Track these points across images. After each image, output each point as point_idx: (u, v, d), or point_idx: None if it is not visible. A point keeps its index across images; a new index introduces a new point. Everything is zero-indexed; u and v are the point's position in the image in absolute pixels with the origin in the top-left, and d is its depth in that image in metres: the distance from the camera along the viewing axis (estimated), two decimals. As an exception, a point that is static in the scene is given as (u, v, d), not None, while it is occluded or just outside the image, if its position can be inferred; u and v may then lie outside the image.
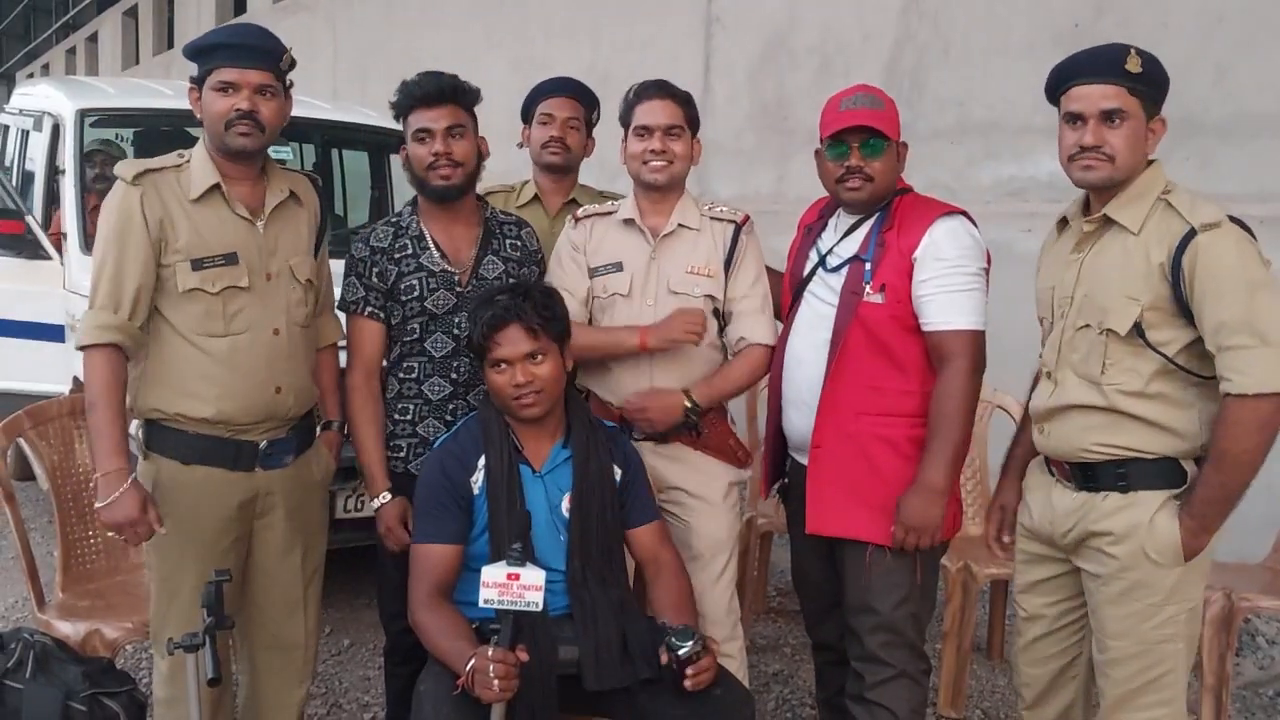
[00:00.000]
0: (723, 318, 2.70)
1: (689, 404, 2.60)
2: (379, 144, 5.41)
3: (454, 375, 2.66)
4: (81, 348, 2.30)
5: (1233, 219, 2.09)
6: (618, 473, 2.48)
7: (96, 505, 2.27)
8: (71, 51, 26.76)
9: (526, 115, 3.24)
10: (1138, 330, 2.13)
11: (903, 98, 4.81)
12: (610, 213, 2.76)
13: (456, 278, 2.65)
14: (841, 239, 2.57)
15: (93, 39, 25.19)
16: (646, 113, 2.64)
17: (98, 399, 2.27)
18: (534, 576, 2.03)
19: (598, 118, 3.27)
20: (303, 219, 2.56)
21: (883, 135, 2.46)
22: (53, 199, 4.70)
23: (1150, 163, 2.21)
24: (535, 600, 2.03)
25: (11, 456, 2.98)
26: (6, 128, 5.64)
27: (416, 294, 2.62)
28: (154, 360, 2.38)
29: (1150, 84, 2.17)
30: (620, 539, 2.49)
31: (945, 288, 2.42)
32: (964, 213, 2.51)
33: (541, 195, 3.24)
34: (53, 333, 4.21)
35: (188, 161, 2.40)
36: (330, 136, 5.49)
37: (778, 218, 3.79)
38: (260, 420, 2.44)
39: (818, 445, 2.51)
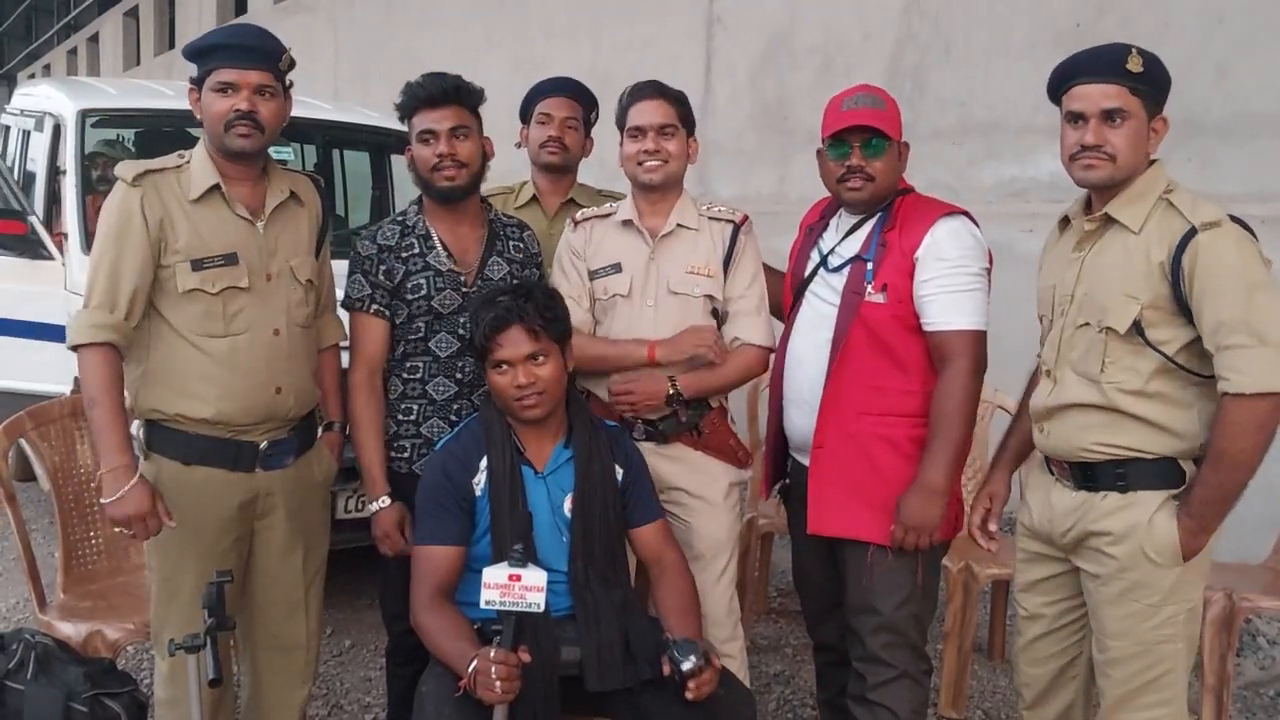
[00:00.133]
0: (720, 318, 2.69)
1: (673, 390, 2.59)
2: (380, 144, 5.41)
3: (459, 375, 2.66)
4: (76, 346, 2.28)
5: (1234, 219, 2.09)
6: (620, 473, 2.48)
7: (103, 501, 2.26)
8: (73, 52, 26.80)
9: (525, 115, 3.23)
10: (1137, 329, 2.13)
11: (904, 98, 4.81)
12: (609, 214, 2.76)
13: (462, 278, 2.65)
14: (843, 239, 2.57)
15: (94, 40, 25.23)
16: (640, 113, 2.64)
17: (98, 396, 2.26)
18: (535, 577, 2.03)
19: (596, 118, 3.27)
20: (303, 219, 2.56)
21: (884, 135, 2.46)
22: (54, 199, 4.70)
23: (1152, 162, 2.21)
24: (537, 601, 2.03)
25: (13, 457, 2.97)
26: (8, 128, 5.64)
27: (423, 293, 2.62)
28: (154, 361, 2.38)
29: (1151, 84, 2.16)
30: (622, 539, 2.50)
31: (947, 288, 2.42)
32: (966, 213, 2.51)
33: (539, 195, 3.23)
34: (54, 333, 4.20)
35: (188, 162, 2.40)
36: (331, 137, 5.48)
37: (779, 218, 3.79)
38: (260, 421, 2.44)
39: (819, 445, 2.51)
